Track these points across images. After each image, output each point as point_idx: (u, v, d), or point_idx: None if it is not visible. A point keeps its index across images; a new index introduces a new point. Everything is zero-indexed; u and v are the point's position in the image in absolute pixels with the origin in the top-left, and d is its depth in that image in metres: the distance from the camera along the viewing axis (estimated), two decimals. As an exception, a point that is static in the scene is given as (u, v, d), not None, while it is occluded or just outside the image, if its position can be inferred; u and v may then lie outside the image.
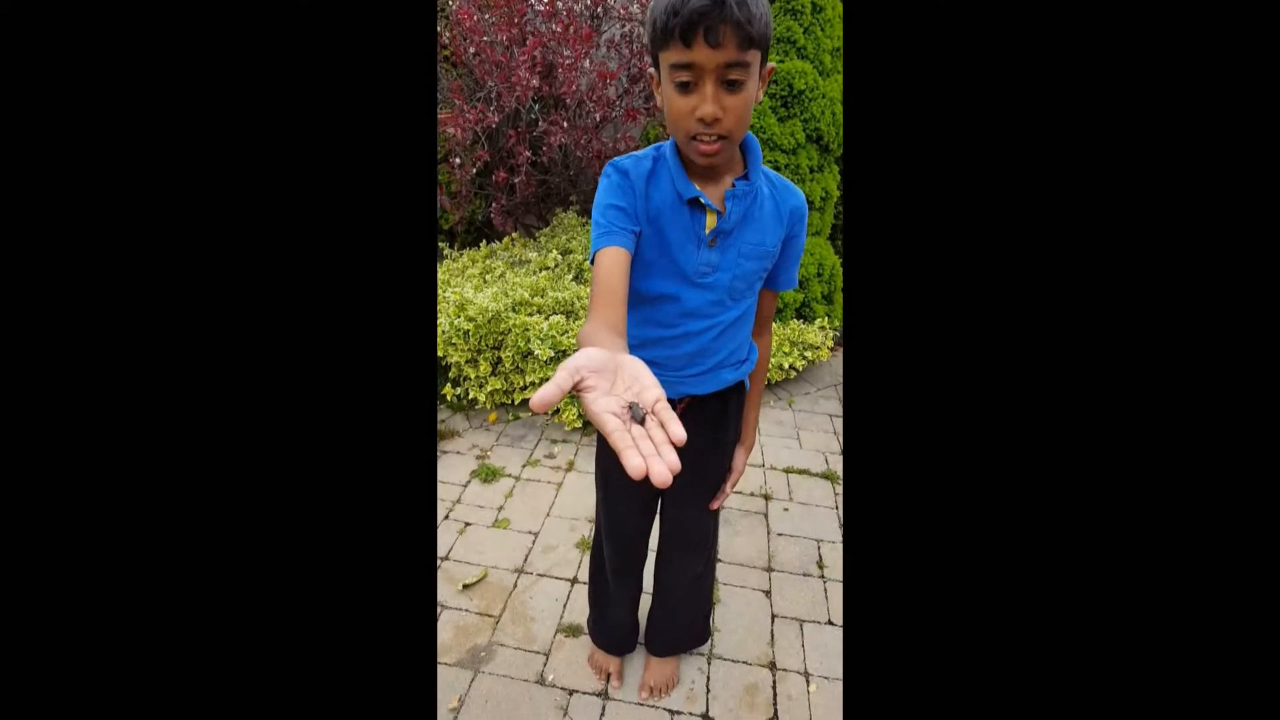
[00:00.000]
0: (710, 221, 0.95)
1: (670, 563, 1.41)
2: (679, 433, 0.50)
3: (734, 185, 0.94)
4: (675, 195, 0.94)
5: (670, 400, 0.99)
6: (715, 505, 1.28)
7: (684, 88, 0.81)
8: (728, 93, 0.81)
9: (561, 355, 2.29)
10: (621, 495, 1.30)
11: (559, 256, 2.69)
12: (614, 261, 0.84)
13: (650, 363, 0.95)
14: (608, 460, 1.28)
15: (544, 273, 2.56)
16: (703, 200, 0.92)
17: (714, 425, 1.19)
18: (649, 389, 0.54)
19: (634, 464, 0.49)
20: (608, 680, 1.52)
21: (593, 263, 0.88)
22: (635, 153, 0.97)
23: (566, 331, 2.29)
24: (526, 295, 2.42)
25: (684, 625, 1.51)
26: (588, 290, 2.50)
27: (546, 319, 2.31)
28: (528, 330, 2.27)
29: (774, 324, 2.78)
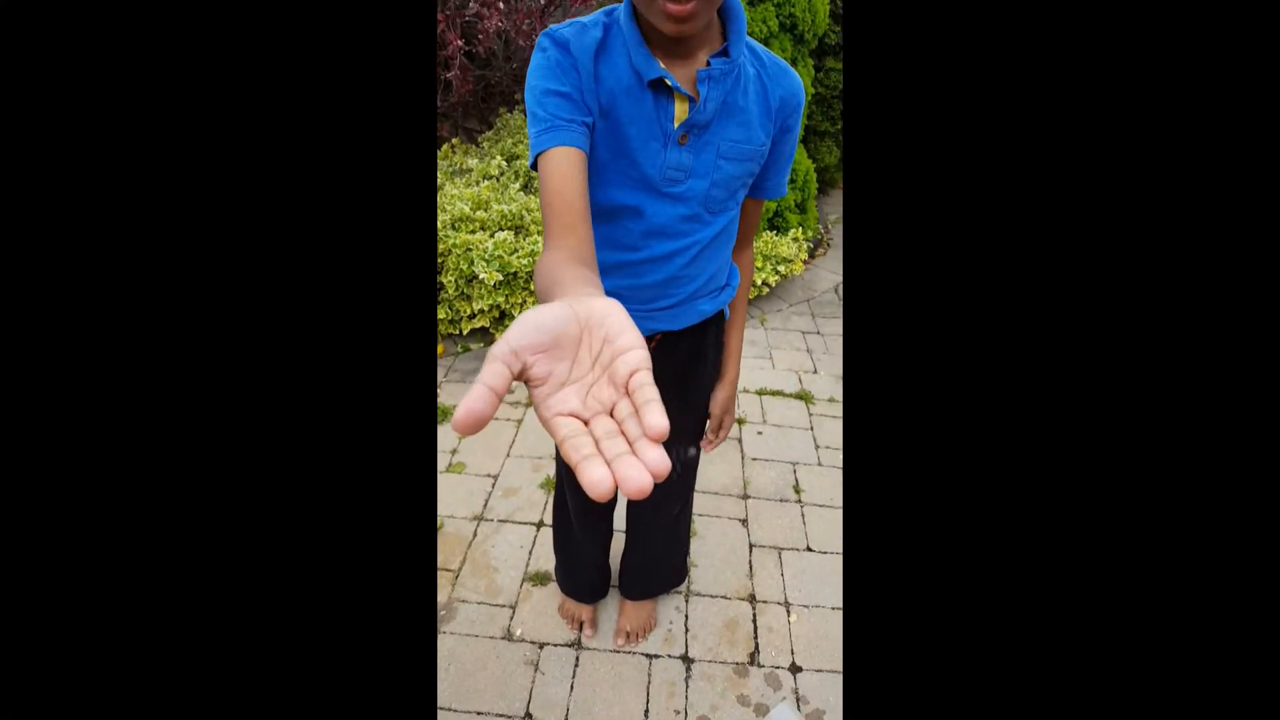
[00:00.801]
0: (680, 111, 0.74)
1: (644, 506, 1.28)
2: (658, 424, 0.33)
3: (709, 64, 0.72)
4: (634, 76, 0.72)
5: None
6: (710, 449, 1.16)
7: None
8: None
9: (511, 279, 2.07)
10: None
11: (503, 163, 2.40)
12: (566, 166, 0.65)
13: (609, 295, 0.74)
14: None
15: (486, 182, 2.27)
16: (669, 83, 0.71)
17: (688, 362, 1.02)
18: (627, 351, 0.37)
19: (592, 478, 0.32)
20: (580, 630, 1.43)
21: (534, 167, 0.69)
22: (580, 19, 0.73)
23: (516, 250, 2.05)
24: (467, 210, 2.15)
25: (661, 568, 1.41)
26: (536, 202, 2.24)
27: (491, 236, 2.07)
28: (470, 250, 2.03)
29: (742, 233, 2.58)
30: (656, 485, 0.34)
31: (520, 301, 2.09)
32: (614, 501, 1.29)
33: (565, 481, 1.26)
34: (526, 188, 2.48)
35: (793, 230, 2.68)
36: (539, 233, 2.17)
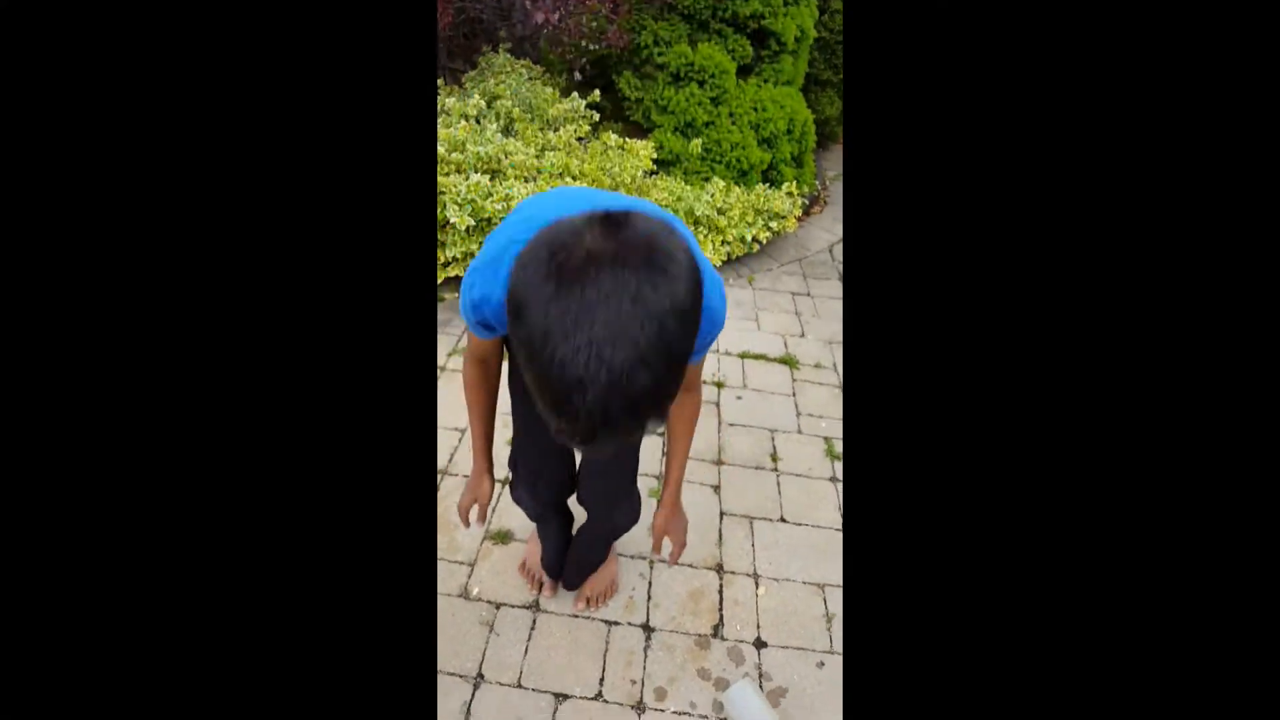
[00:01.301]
0: None
1: (593, 499, 1.22)
2: None
3: None
4: None
5: None
6: (672, 563, 1.13)
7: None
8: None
9: (485, 224, 1.95)
10: (534, 445, 1.14)
11: (482, 104, 2.25)
12: (489, 347, 0.94)
13: None
14: (523, 406, 1.07)
15: (464, 123, 2.14)
16: None
17: None
18: None
19: None
20: (539, 590, 1.38)
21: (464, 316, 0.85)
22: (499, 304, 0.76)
23: (490, 195, 1.93)
24: (442, 150, 2.02)
25: (614, 521, 1.29)
26: (514, 145, 2.10)
27: (466, 179, 1.94)
28: (443, 194, 1.91)
29: (737, 189, 2.45)
30: (604, 499, 0.87)
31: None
32: (565, 498, 1.26)
33: (523, 481, 1.22)
34: (507, 131, 2.35)
35: (787, 184, 2.55)
36: (516, 178, 2.05)
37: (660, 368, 0.48)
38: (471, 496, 1.10)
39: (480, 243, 1.96)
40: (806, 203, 2.92)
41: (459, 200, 1.88)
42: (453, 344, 2.01)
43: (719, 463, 1.71)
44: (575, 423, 0.49)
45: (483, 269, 0.75)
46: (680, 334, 0.49)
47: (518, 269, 0.51)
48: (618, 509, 1.21)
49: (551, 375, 0.48)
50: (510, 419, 1.12)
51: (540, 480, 1.18)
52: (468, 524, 1.11)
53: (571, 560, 1.34)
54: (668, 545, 1.41)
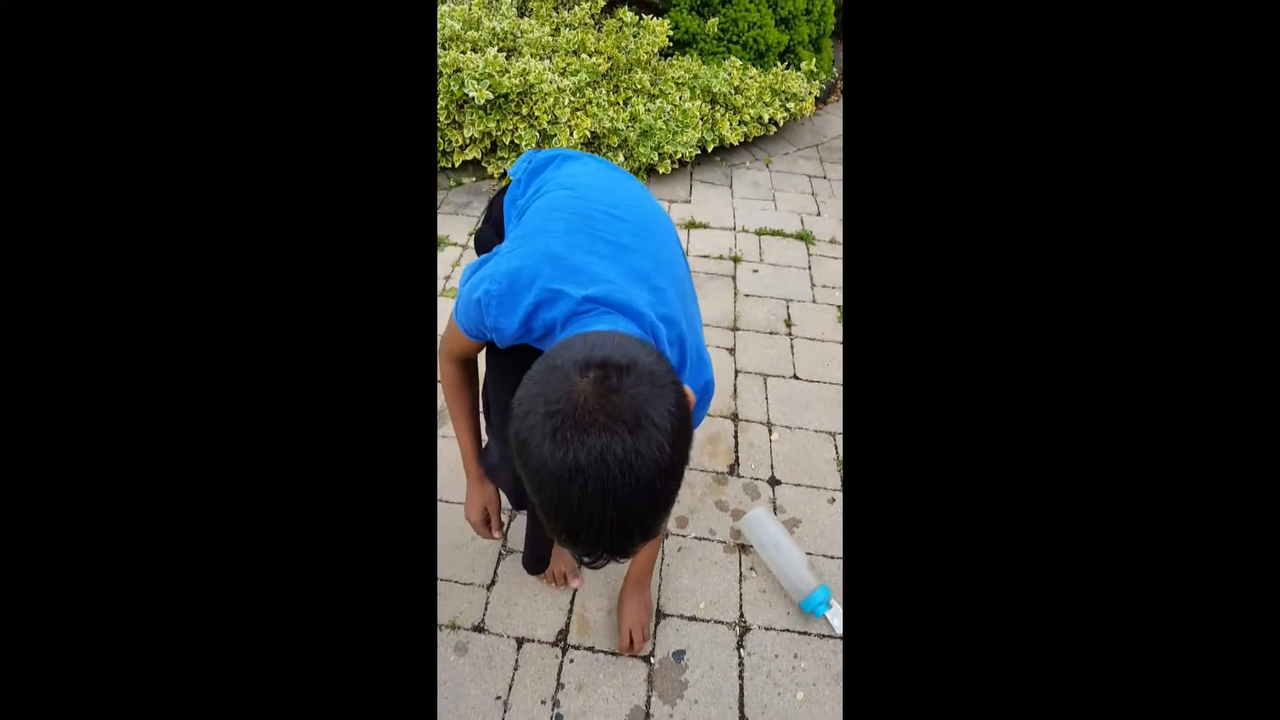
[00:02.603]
0: None
1: None
2: None
3: None
4: None
5: None
6: (623, 651, 1.11)
7: None
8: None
9: (503, 100, 1.96)
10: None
11: (495, -20, 2.21)
12: (471, 347, 0.88)
13: None
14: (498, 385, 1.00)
15: (478, 0, 2.10)
16: None
17: None
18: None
19: None
20: (565, 582, 1.25)
21: (455, 312, 0.85)
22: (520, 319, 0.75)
23: (506, 71, 1.93)
24: (458, 28, 2.00)
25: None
26: (530, 24, 2.08)
27: (482, 55, 1.94)
28: (460, 70, 1.90)
29: (754, 70, 2.41)
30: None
31: (511, 128, 1.99)
32: None
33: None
34: (522, 11, 2.30)
35: (805, 65, 2.50)
36: (532, 55, 2.03)
37: (648, 517, 0.56)
38: (480, 505, 1.04)
39: (498, 122, 1.97)
40: (824, 89, 2.86)
41: (477, 75, 1.88)
42: (472, 224, 2.06)
43: (734, 329, 1.78)
44: (573, 547, 0.58)
45: (500, 297, 0.74)
46: (666, 488, 0.56)
47: (519, 415, 0.56)
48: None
49: (552, 511, 0.56)
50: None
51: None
52: (489, 535, 1.06)
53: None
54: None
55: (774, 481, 1.44)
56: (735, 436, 1.51)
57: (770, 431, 1.53)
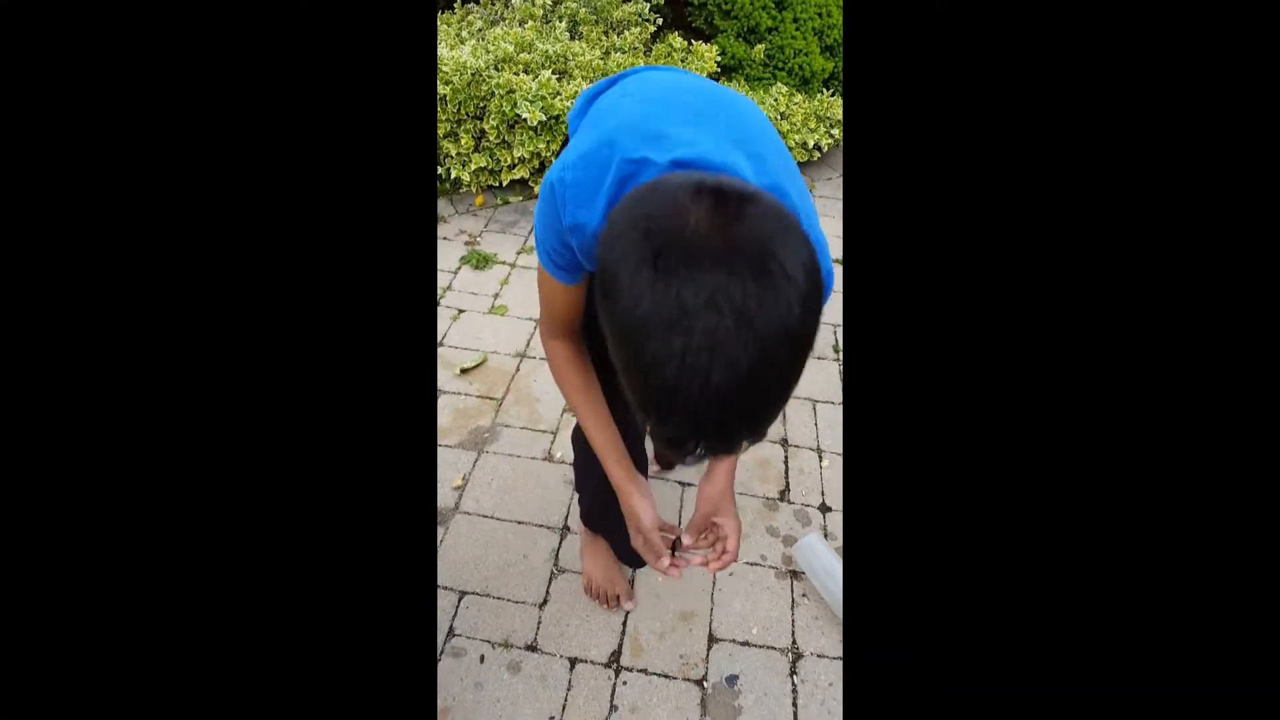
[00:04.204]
0: None
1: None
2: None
3: None
4: None
5: None
6: (712, 568, 0.85)
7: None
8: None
9: (554, 120, 1.99)
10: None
11: (549, 3, 2.26)
12: (569, 296, 0.75)
13: None
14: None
15: (530, 23, 2.15)
16: None
17: None
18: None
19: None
20: (617, 603, 1.21)
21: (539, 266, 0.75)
22: (590, 206, 0.62)
23: (559, 94, 1.97)
24: (510, 50, 2.05)
25: None
26: (580, 47, 2.12)
27: (535, 77, 1.98)
28: (514, 91, 1.95)
29: (799, 97, 2.43)
30: None
31: (560, 149, 2.03)
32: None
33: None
34: (572, 33, 2.35)
35: (851, 93, 2.51)
36: (583, 78, 2.07)
37: (757, 397, 0.43)
38: (651, 515, 0.80)
39: (548, 142, 2.01)
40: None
41: (530, 97, 1.92)
42: (520, 243, 2.09)
43: (782, 352, 1.78)
44: (663, 426, 0.44)
45: (575, 183, 0.62)
46: (788, 363, 0.43)
47: (608, 238, 0.45)
48: None
49: (642, 371, 0.43)
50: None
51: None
52: (675, 572, 0.82)
53: (657, 451, 1.37)
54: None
55: (824, 508, 1.43)
56: (785, 462, 1.51)
57: (820, 458, 1.52)
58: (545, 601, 1.23)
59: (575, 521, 1.35)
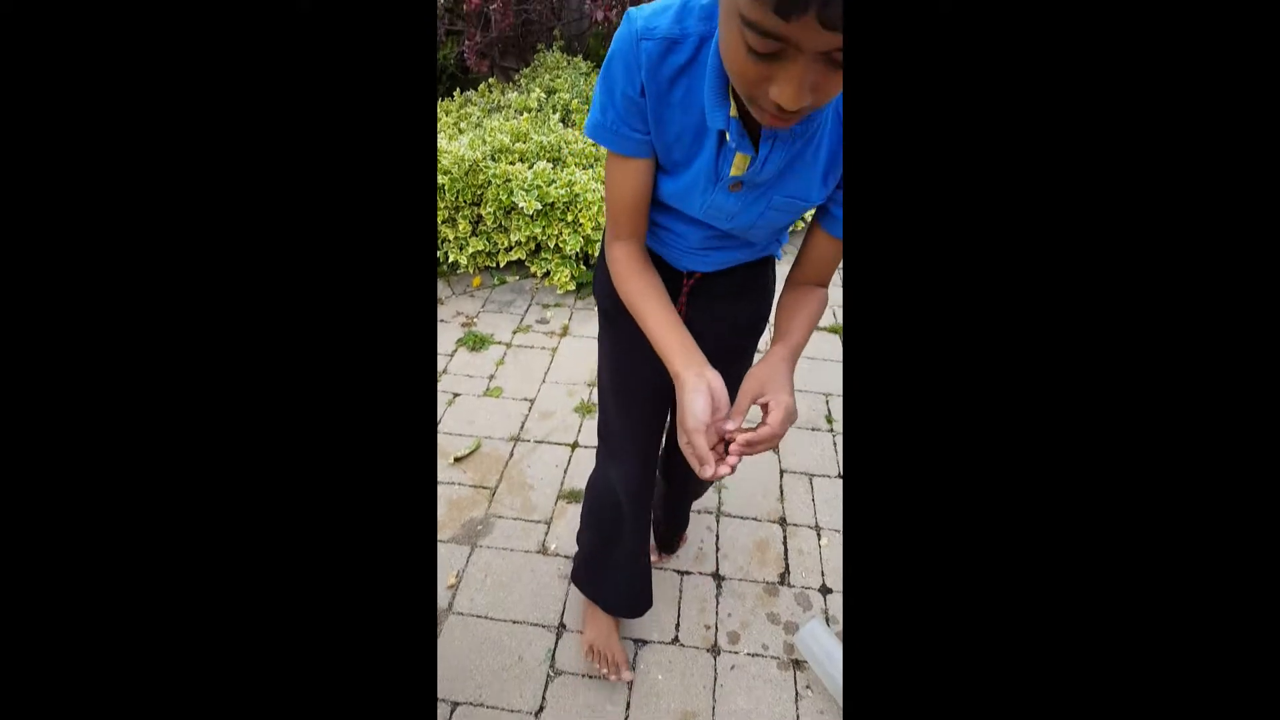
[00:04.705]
0: (740, 162, 0.66)
1: (679, 469, 1.24)
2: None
3: None
4: (701, 117, 0.65)
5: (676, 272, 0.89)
6: (735, 448, 0.68)
7: (761, 56, 0.50)
8: (829, 70, 0.49)
9: (549, 209, 2.06)
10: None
11: (542, 96, 2.37)
12: (638, 178, 0.72)
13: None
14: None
15: (525, 115, 2.25)
16: (730, 141, 0.64)
17: (732, 300, 0.92)
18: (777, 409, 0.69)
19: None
20: (618, 673, 1.21)
21: (590, 136, 0.72)
22: (675, 15, 0.62)
23: (554, 181, 2.04)
24: (507, 141, 2.14)
25: (693, 485, 1.35)
26: (574, 135, 2.21)
27: (530, 167, 2.06)
28: (510, 180, 2.02)
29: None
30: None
31: (556, 233, 2.09)
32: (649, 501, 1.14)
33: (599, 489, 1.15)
34: (565, 120, 2.45)
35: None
36: (576, 165, 2.15)
37: None
38: (687, 437, 0.66)
39: (543, 228, 2.07)
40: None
41: (525, 186, 2.00)
42: (516, 322, 2.12)
43: (778, 427, 1.77)
44: None
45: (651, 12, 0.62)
46: None
47: None
48: (694, 477, 1.21)
49: None
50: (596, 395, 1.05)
51: (629, 452, 1.06)
52: (725, 469, 0.66)
53: (660, 530, 1.39)
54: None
55: (825, 590, 1.39)
56: (784, 543, 1.48)
57: (819, 536, 1.50)
58: (541, 709, 1.19)
59: (571, 620, 1.32)
